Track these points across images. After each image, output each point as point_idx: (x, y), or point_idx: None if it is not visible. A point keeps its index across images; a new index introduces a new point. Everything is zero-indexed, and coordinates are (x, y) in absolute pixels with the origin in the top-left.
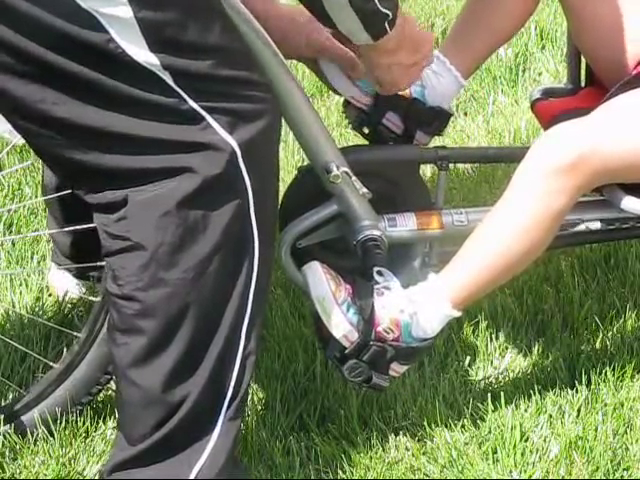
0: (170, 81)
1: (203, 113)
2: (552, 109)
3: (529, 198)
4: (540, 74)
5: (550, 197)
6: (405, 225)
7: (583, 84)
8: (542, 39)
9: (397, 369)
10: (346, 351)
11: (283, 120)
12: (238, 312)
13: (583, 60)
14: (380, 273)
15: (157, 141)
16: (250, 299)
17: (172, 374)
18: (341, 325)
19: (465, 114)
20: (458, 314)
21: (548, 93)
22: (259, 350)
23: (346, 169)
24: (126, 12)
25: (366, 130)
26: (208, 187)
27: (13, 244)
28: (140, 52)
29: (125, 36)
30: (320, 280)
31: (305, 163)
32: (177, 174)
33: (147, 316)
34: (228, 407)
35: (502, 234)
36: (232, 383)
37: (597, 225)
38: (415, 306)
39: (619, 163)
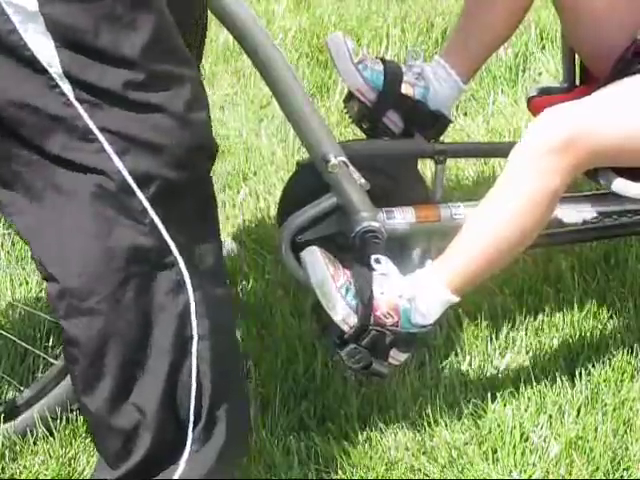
0: (70, 93)
1: (99, 135)
2: (547, 104)
3: (523, 179)
4: (540, 74)
5: (544, 177)
6: (403, 218)
7: (578, 82)
8: (542, 39)
9: (397, 357)
10: (345, 335)
11: (282, 114)
12: (178, 328)
13: (577, 59)
14: (378, 261)
15: (47, 154)
16: (192, 312)
17: (114, 399)
18: (340, 308)
19: (465, 114)
20: (457, 299)
21: (544, 92)
22: (234, 359)
23: (344, 159)
24: (32, 4)
25: (365, 126)
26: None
27: (13, 244)
28: (44, 52)
29: (29, 30)
30: (319, 264)
31: None
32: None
33: (73, 344)
34: (193, 431)
35: (497, 216)
36: (192, 407)
37: (594, 218)
38: (413, 291)
39: (612, 143)
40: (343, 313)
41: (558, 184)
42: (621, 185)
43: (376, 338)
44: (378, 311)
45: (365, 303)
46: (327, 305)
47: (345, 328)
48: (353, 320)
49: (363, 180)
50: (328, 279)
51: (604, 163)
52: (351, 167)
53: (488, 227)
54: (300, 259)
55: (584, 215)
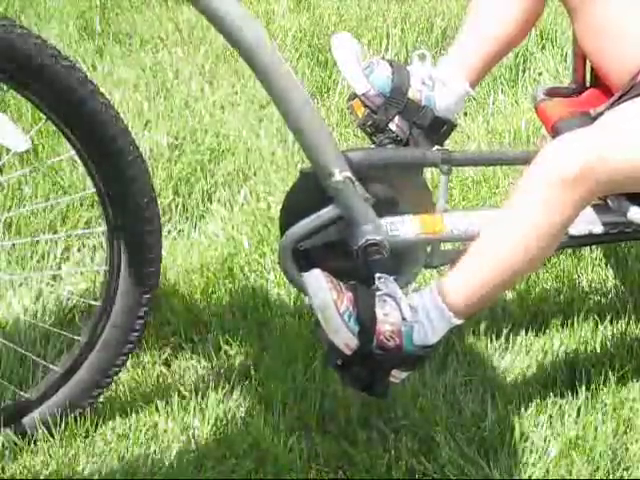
0: None
1: None
2: (556, 111)
3: (532, 208)
4: (540, 74)
5: (554, 208)
6: (407, 228)
7: (588, 84)
8: (542, 39)
9: (397, 375)
10: (347, 359)
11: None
12: None
13: (588, 60)
14: (381, 280)
15: None
16: None
17: None
18: (342, 333)
19: (465, 114)
20: (459, 322)
21: (552, 93)
22: None
23: (348, 174)
24: None
25: (370, 130)
26: None
27: (13, 245)
28: None
29: None
30: (321, 289)
31: (305, 164)
32: None
33: None
34: None
35: (503, 243)
36: None
37: (600, 229)
38: (416, 314)
39: (625, 174)
40: (345, 338)
41: (567, 215)
42: (637, 213)
43: (378, 361)
44: (380, 335)
45: (367, 327)
46: (329, 329)
47: (347, 352)
48: (355, 344)
49: (367, 194)
50: (331, 305)
51: (616, 192)
52: (356, 182)
53: (493, 253)
54: (299, 263)
55: (590, 227)
